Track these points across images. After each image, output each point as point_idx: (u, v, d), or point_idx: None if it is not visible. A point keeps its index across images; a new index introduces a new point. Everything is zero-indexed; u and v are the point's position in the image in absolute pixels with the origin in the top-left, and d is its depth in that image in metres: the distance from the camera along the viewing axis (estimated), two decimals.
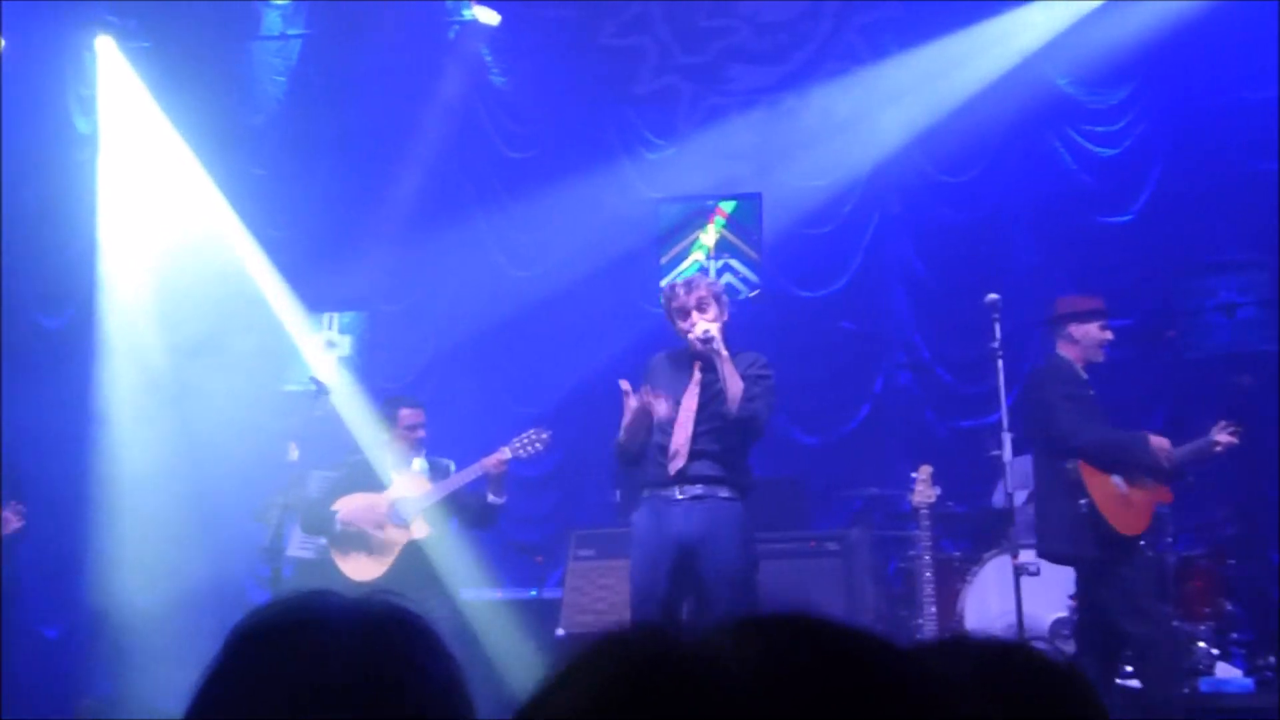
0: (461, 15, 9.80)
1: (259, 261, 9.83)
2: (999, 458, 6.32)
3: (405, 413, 7.37)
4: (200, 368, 9.59)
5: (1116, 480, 6.25)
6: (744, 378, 5.99)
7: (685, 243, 9.51)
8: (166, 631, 9.33)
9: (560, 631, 7.99)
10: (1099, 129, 9.12)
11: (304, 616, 1.35)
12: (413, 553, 7.11)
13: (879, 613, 7.82)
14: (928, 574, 6.90)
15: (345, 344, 9.95)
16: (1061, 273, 8.99)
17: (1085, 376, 6.45)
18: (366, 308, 10.10)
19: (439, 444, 7.62)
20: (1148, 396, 8.48)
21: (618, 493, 8.52)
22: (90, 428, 9.87)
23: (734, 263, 9.41)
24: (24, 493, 7.89)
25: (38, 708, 8.95)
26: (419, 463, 7.37)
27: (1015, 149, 9.19)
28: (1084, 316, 6.53)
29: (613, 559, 7.83)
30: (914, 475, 7.09)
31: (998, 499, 7.40)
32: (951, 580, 7.51)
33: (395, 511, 7.15)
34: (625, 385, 6.07)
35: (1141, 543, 6.38)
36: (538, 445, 7.11)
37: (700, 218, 9.53)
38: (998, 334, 6.35)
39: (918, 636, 7.11)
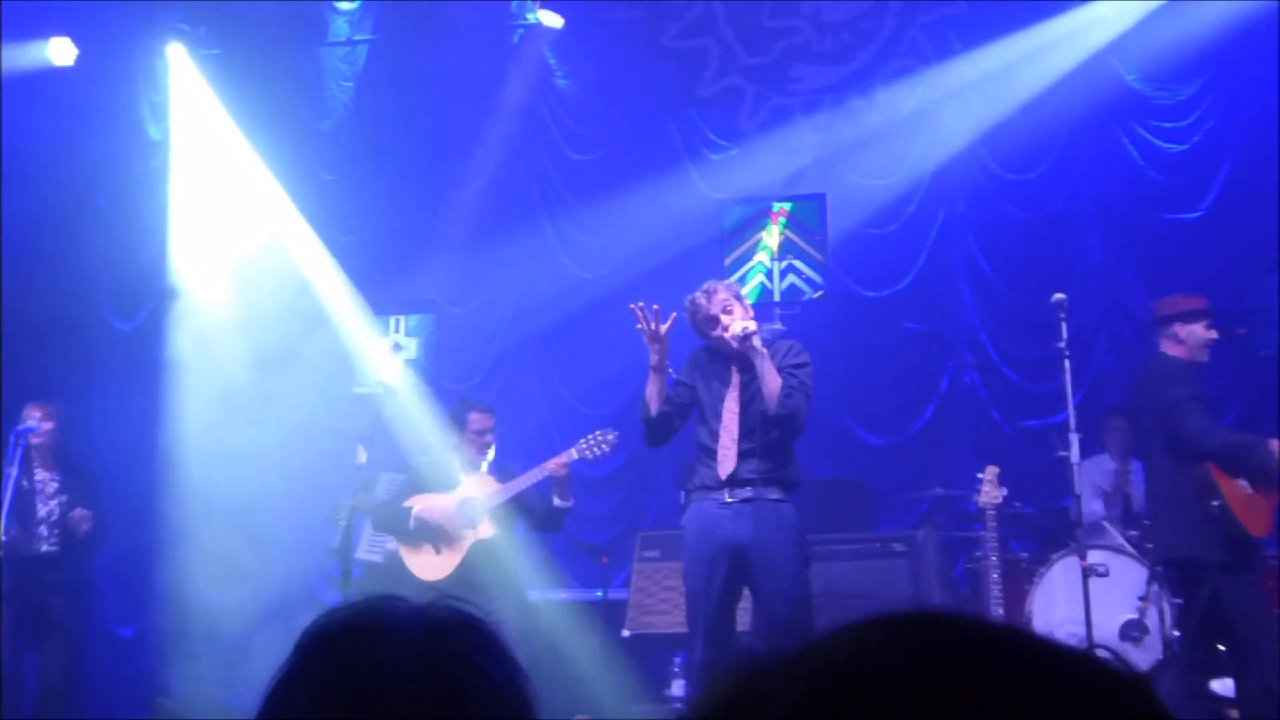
0: (526, 19, 9.87)
1: (327, 266, 9.95)
2: (1066, 458, 6.27)
3: (475, 417, 7.41)
4: (271, 371, 9.70)
5: (1243, 482, 6.22)
6: (781, 370, 5.98)
7: (749, 244, 9.49)
8: (239, 632, 9.46)
9: (625, 633, 8.02)
10: (1167, 125, 9.02)
11: (371, 620, 1.38)
12: (480, 553, 7.16)
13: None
14: (994, 575, 6.86)
15: (412, 346, 10.03)
16: (1129, 271, 8.91)
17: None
18: (433, 310, 10.17)
19: (505, 444, 7.66)
20: (1219, 395, 8.36)
21: (683, 494, 8.52)
22: (162, 429, 10.02)
23: (798, 263, 9.38)
24: (96, 492, 8.01)
25: (114, 707, 9.10)
26: (486, 465, 7.42)
27: (1082, 146, 9.11)
28: (1190, 316, 6.47)
29: (678, 560, 7.73)
30: (980, 476, 7.05)
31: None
32: (1019, 582, 7.45)
33: (463, 512, 7.21)
34: (638, 308, 6.03)
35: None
36: (604, 447, 7.14)
37: (764, 219, 9.51)
38: (1064, 333, 6.31)
39: None
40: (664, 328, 5.99)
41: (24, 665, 7.77)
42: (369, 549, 8.22)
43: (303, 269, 9.91)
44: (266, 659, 1.48)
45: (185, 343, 10.05)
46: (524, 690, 1.39)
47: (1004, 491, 6.98)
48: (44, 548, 7.73)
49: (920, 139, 9.34)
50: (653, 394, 6.05)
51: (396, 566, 7.47)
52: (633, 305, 6.08)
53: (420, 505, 7.26)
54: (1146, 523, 7.52)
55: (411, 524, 7.23)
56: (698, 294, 6.14)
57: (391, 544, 7.73)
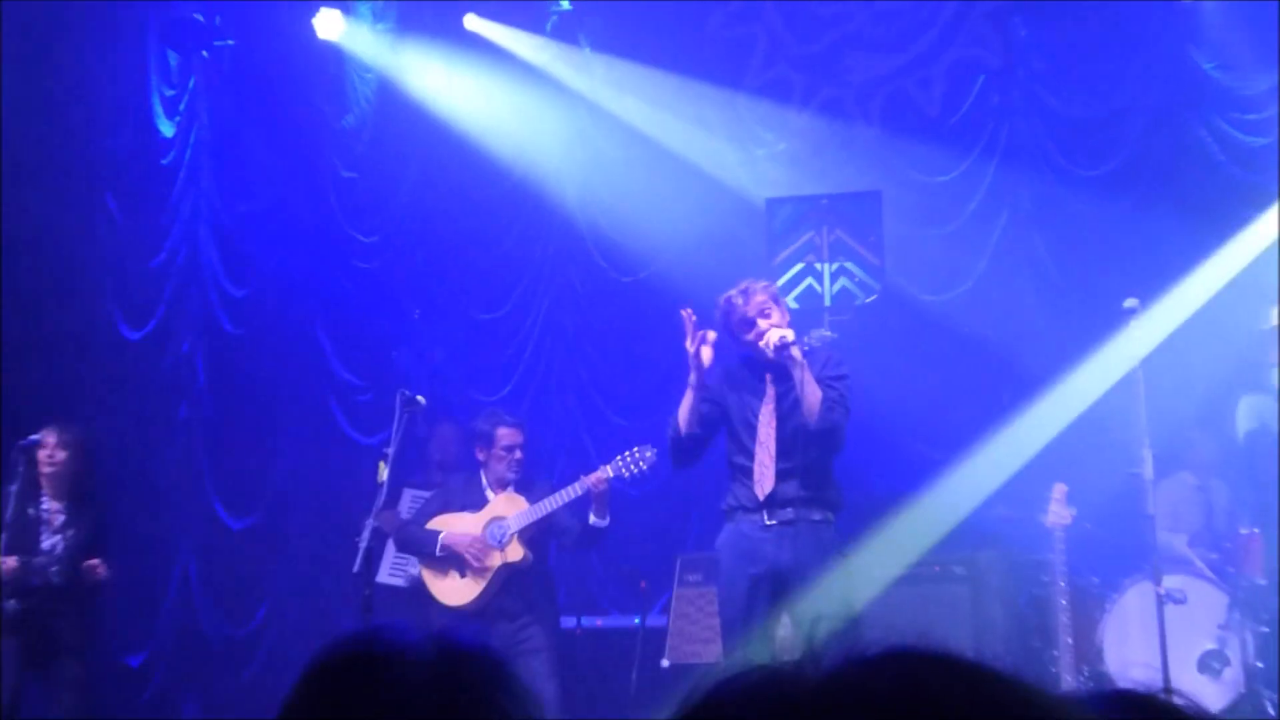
0: (559, 6, 9.89)
1: (350, 267, 10.02)
2: (1140, 475, 6.23)
3: (504, 432, 7.42)
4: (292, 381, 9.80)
5: None
6: (820, 381, 5.94)
7: (798, 244, 9.45)
8: (252, 661, 9.52)
9: (665, 662, 8.01)
10: (1248, 117, 8.94)
11: (378, 650, 1.39)
12: (509, 577, 7.17)
13: (1009, 644, 7.72)
14: (1063, 602, 6.83)
15: (438, 353, 10.05)
16: None
17: None
18: (460, 315, 10.20)
19: (536, 459, 7.67)
20: None
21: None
22: (173, 443, 10.11)
23: (850, 265, 9.33)
24: (107, 529, 7.92)
25: None
26: (515, 481, 7.43)
27: (1158, 138, 9.03)
28: None
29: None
30: (1048, 494, 7.01)
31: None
32: (1089, 609, 7.40)
33: (491, 533, 7.22)
34: (690, 319, 6.01)
35: None
36: (641, 465, 7.13)
37: (814, 217, 9.46)
38: (1137, 340, 6.26)
39: (1053, 670, 7.03)
40: (706, 350, 5.95)
41: (28, 698, 7.79)
42: (391, 572, 8.25)
43: (326, 273, 9.99)
44: (279, 688, 1.49)
45: (199, 354, 10.14)
46: None
47: (1073, 511, 6.94)
48: (47, 581, 7.62)
49: (982, 132, 9.29)
50: (685, 412, 6.04)
51: (420, 590, 7.49)
52: (684, 312, 6.06)
53: (445, 525, 7.27)
54: (1228, 545, 7.46)
55: (438, 551, 7.24)
56: (734, 293, 6.12)
57: (415, 567, 7.75)
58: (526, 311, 10.08)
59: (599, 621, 8.60)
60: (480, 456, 7.47)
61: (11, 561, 7.45)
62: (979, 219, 9.33)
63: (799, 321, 6.50)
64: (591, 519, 7.17)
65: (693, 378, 5.98)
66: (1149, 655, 6.40)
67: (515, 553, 7.18)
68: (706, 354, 5.95)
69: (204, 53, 10.27)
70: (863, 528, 7.20)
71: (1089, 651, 7.25)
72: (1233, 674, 6.91)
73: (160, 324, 10.22)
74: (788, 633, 5.87)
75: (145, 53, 10.35)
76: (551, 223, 10.01)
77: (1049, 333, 9.07)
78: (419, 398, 6.79)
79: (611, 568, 8.97)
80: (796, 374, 5.88)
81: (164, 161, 10.33)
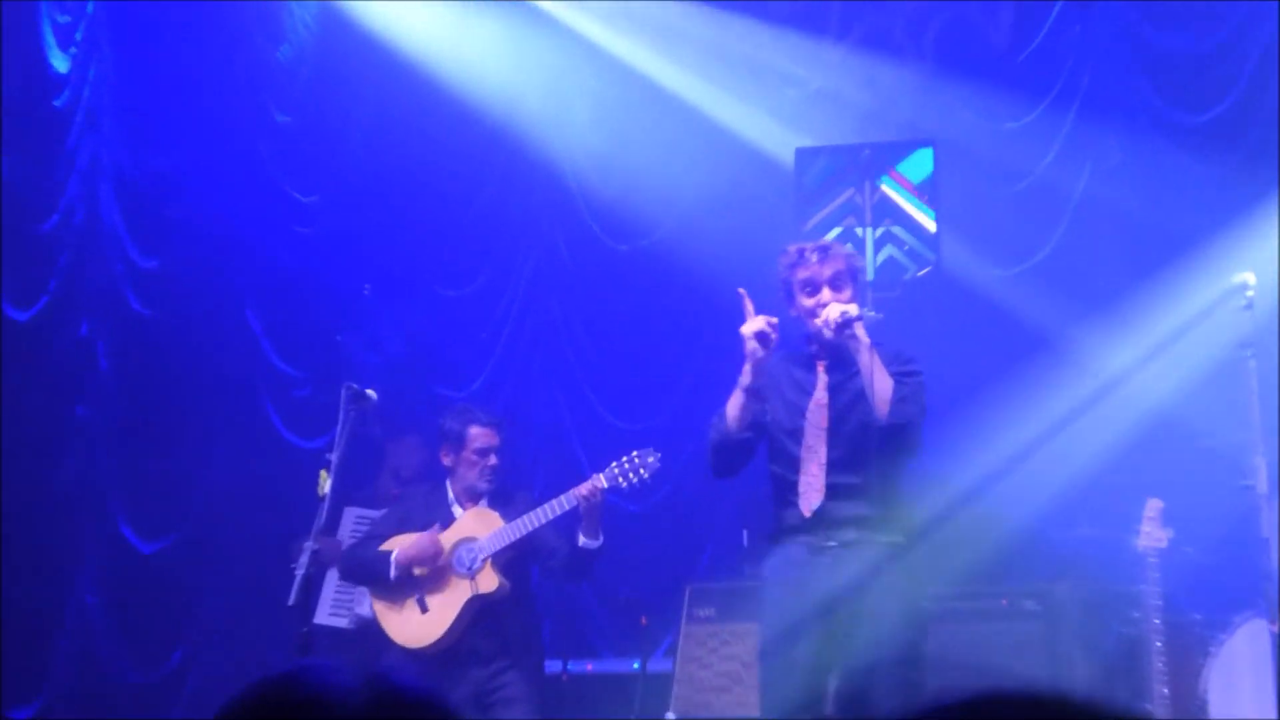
0: None
1: (286, 233, 10.01)
2: (1253, 489, 6.22)
3: (475, 432, 7.42)
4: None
5: None
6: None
7: (834, 205, 9.44)
8: (170, 709, 9.50)
9: (670, 715, 8.01)
10: None
11: (303, 695, 1.39)
12: (481, 611, 7.16)
13: (1091, 695, 7.69)
14: (1158, 644, 6.82)
15: (392, 341, 10.04)
16: None
17: None
18: (422, 292, 10.20)
19: (515, 466, 7.66)
20: None
21: (745, 533, 8.51)
22: (68, 449, 10.07)
23: (898, 230, 9.31)
24: None
25: None
26: (489, 493, 7.42)
27: (1275, 77, 9.01)
28: None
29: (738, 621, 7.85)
30: (1140, 512, 7.00)
31: None
32: (1190, 652, 7.38)
33: (459, 557, 7.21)
34: (747, 298, 5.96)
35: None
36: (643, 473, 7.12)
37: (854, 172, 9.45)
38: (1249, 325, 6.24)
39: None
40: (760, 337, 5.89)
41: None
42: (332, 612, 8.23)
43: (251, 242, 9.97)
44: None
45: (98, 340, 10.11)
46: None
47: (1170, 532, 6.93)
48: None
49: (1060, 69, 9.28)
50: (736, 410, 5.98)
51: (370, 629, 7.48)
52: (740, 291, 6.02)
53: (402, 548, 7.25)
54: None
55: (392, 574, 7.22)
56: (808, 247, 6.06)
57: (364, 604, 7.74)
58: (503, 287, 10.10)
59: (590, 666, 8.61)
60: (447, 462, 7.46)
61: None
62: (1055, 175, 9.31)
63: None
64: (581, 540, 7.17)
65: (745, 372, 5.92)
66: (1263, 709, 6.40)
67: (488, 581, 7.17)
68: (760, 344, 5.87)
69: None
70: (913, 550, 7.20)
71: (1190, 704, 7.23)
72: None
73: (52, 301, 10.16)
74: (846, 685, 5.82)
75: None
76: (534, 179, 10.00)
77: (1139, 314, 9.05)
78: (369, 392, 6.76)
79: (606, 600, 8.98)
80: (863, 359, 5.81)
81: (56, 103, 10.27)
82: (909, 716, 0.93)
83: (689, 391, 9.39)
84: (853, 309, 5.83)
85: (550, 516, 7.16)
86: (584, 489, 7.08)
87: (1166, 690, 6.75)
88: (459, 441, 7.41)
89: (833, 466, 5.87)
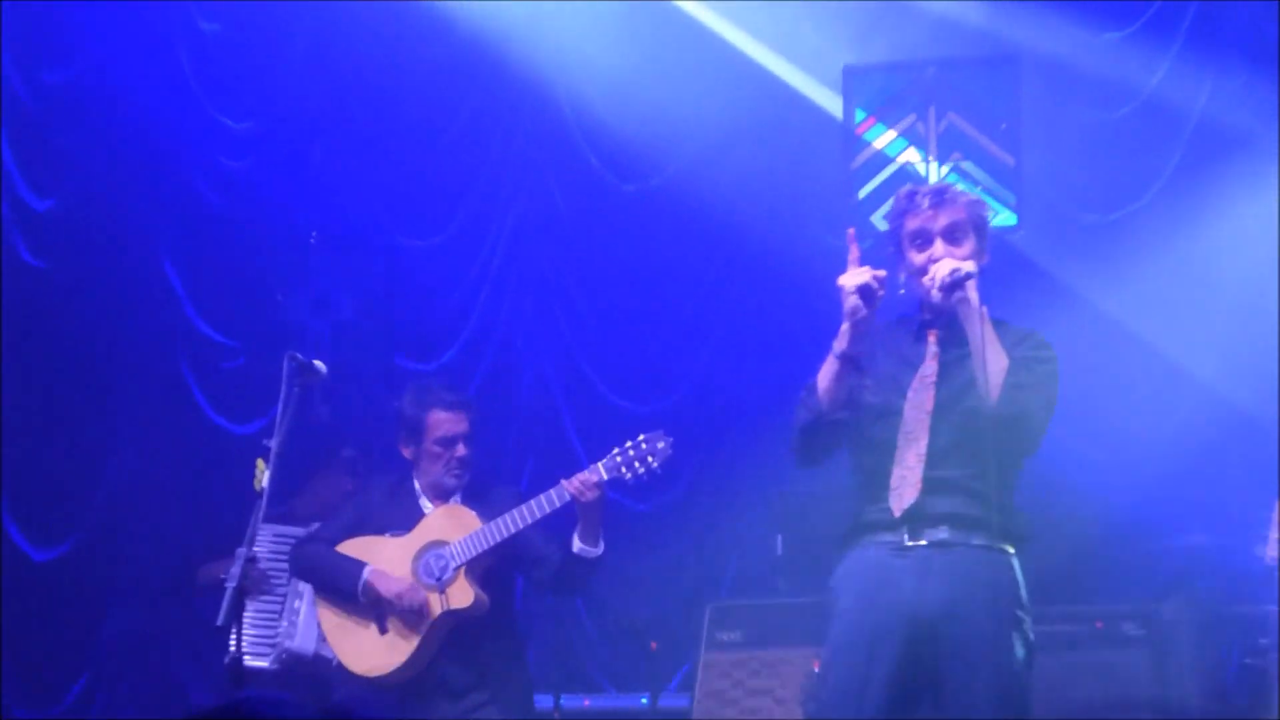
0: None
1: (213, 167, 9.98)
2: None
3: (440, 416, 7.35)
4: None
5: None
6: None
7: (892, 135, 9.45)
8: None
9: None
10: None
11: None
12: (453, 632, 7.09)
13: None
14: None
15: (344, 301, 9.97)
16: None
17: None
18: (381, 241, 10.17)
19: (494, 456, 7.59)
20: None
21: (779, 539, 8.47)
22: None
23: (970, 167, 9.39)
24: None
25: None
26: (461, 489, 7.34)
27: None
28: None
29: (771, 646, 7.93)
30: (1268, 516, 7.00)
31: None
32: None
33: (426, 565, 7.14)
34: (854, 241, 5.86)
35: None
36: (651, 462, 7.03)
37: (916, 95, 9.50)
38: None
39: None
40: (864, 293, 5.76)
41: None
42: (251, 646, 8.06)
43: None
44: None
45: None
46: None
47: None
48: None
49: None
50: (828, 381, 5.86)
51: (316, 657, 7.42)
52: (849, 231, 5.89)
53: (379, 573, 7.17)
54: None
55: (360, 597, 7.12)
56: (921, 190, 5.94)
57: (295, 637, 7.67)
58: (481, 236, 10.11)
59: (587, 701, 8.63)
60: (406, 454, 7.39)
61: None
62: (1165, 99, 9.30)
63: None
64: (576, 545, 7.08)
65: (843, 335, 5.79)
66: None
67: (462, 596, 7.09)
68: (862, 301, 5.72)
69: None
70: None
71: None
72: None
73: None
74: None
75: None
76: (521, 105, 10.03)
77: (1266, 270, 9.02)
78: (317, 363, 6.71)
79: (608, 620, 8.94)
80: (973, 329, 5.71)
81: None
82: None
83: (708, 365, 9.46)
84: (968, 266, 5.71)
85: (538, 516, 7.07)
86: (578, 481, 6.98)
87: None
88: (417, 430, 7.34)
89: (932, 459, 5.75)
